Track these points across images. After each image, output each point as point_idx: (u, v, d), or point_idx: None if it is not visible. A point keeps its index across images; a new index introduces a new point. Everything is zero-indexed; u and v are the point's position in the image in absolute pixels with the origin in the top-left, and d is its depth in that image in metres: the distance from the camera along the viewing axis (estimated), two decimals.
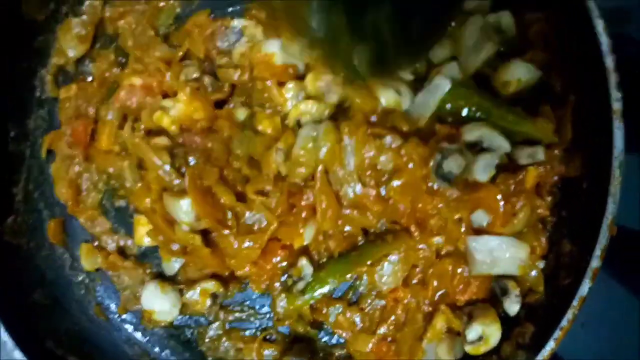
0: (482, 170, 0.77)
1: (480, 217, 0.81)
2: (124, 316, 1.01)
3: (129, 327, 1.01)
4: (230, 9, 0.97)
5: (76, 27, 0.96)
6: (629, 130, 0.71)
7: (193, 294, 0.92)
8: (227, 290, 0.94)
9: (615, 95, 0.71)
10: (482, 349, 0.80)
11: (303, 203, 0.84)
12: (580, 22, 0.72)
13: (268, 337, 0.95)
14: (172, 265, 0.94)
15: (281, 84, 0.89)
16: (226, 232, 0.85)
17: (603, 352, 0.96)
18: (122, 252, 1.00)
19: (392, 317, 0.86)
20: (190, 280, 0.93)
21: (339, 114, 0.87)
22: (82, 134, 0.95)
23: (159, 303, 0.91)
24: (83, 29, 0.96)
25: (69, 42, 0.97)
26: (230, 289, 0.94)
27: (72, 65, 0.99)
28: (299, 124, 0.88)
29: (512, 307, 0.81)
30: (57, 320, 0.97)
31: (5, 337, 0.81)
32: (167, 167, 0.87)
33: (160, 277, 0.96)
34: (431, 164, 0.77)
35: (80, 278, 1.02)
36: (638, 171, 0.92)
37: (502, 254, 0.78)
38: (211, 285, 0.91)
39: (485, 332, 0.80)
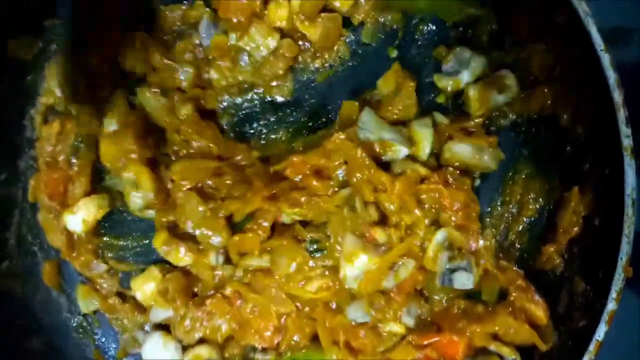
0: None
1: None
2: None
3: None
4: None
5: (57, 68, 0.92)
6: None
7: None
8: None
9: (625, 131, 0.68)
10: None
11: None
12: (585, 56, 0.70)
13: None
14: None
15: None
16: None
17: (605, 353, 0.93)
18: (121, 294, 0.97)
19: None
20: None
21: None
22: (57, 187, 0.93)
23: (161, 355, 0.88)
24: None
25: (52, 82, 0.94)
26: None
27: (62, 104, 0.95)
28: None
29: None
30: None
31: None
32: None
33: (163, 327, 0.93)
34: None
35: (77, 322, 0.99)
36: None
37: None
38: (204, 351, 0.88)
39: None
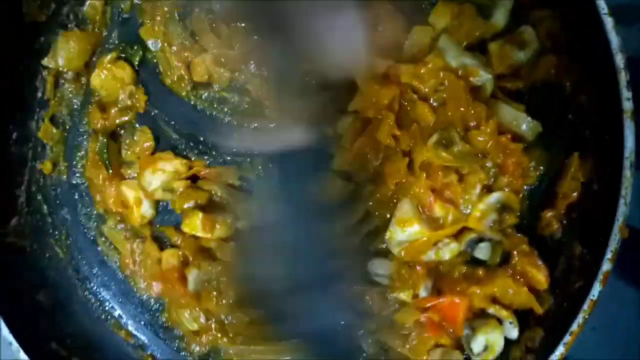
0: None
1: None
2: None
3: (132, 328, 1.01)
4: None
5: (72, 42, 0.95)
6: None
7: None
8: None
9: (626, 94, 0.69)
10: (490, 357, 0.80)
11: None
12: (589, 20, 0.71)
13: None
14: None
15: None
16: None
17: (613, 355, 0.95)
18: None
19: None
20: None
21: None
22: None
23: None
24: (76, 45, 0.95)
25: (61, 52, 0.95)
26: None
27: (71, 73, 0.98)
28: None
29: (511, 333, 0.82)
30: (61, 321, 0.97)
31: (10, 337, 0.81)
32: None
33: None
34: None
35: (81, 279, 1.02)
36: None
37: None
38: None
39: (489, 341, 0.80)
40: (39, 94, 0.98)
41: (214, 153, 0.97)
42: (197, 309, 0.94)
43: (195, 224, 0.91)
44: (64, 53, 0.96)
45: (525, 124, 0.82)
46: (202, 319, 0.94)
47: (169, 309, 0.98)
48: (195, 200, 0.93)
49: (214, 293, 0.91)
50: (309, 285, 0.83)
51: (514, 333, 0.81)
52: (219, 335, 0.93)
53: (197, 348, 0.97)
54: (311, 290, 0.83)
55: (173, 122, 0.98)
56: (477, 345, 0.81)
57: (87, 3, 0.96)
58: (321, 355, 0.84)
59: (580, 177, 0.79)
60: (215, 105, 0.97)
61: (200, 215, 0.91)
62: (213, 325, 0.93)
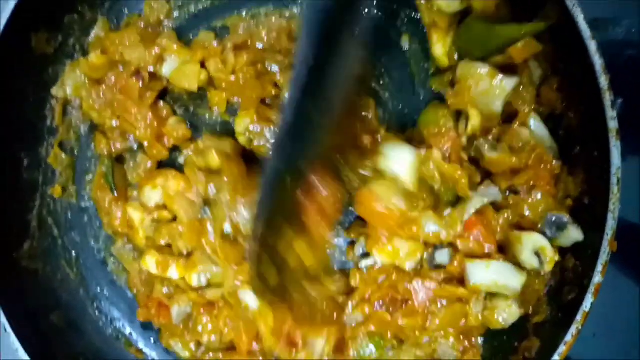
0: None
1: None
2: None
3: (142, 345, 1.04)
4: None
5: (79, 72, 0.98)
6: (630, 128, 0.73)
7: None
8: None
9: (611, 114, 0.72)
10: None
11: None
12: (573, 43, 0.74)
13: None
14: None
15: None
16: None
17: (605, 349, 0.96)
18: None
19: None
20: None
21: None
22: None
23: None
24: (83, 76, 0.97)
25: (68, 81, 0.99)
26: None
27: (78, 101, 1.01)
28: None
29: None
30: (74, 341, 1.00)
31: (26, 357, 0.84)
32: None
33: None
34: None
35: (91, 298, 1.05)
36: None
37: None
38: None
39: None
40: (48, 122, 1.02)
41: None
42: (188, 338, 0.96)
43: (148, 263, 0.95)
44: (71, 82, 0.99)
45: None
46: (193, 347, 0.96)
47: (162, 334, 1.01)
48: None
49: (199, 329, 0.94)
50: None
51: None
52: None
53: None
54: None
55: None
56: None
57: (92, 34, 1.00)
58: None
59: (572, 190, 0.82)
60: None
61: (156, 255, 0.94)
62: (207, 357, 0.95)
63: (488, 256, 0.80)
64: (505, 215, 0.82)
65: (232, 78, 0.92)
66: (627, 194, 0.73)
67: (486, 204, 0.81)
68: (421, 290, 0.83)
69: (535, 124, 0.84)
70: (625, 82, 0.81)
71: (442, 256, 0.83)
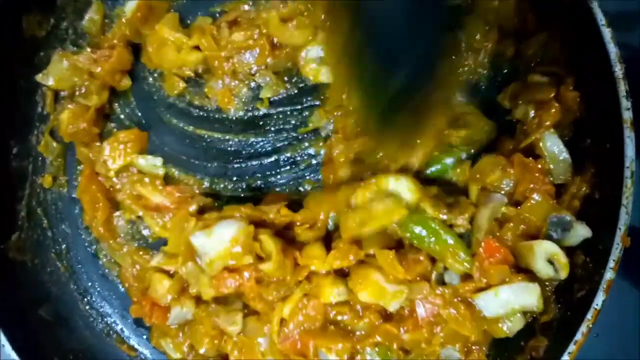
0: None
1: None
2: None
3: (134, 342, 1.01)
4: None
5: (65, 64, 0.94)
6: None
7: None
8: None
9: (625, 104, 0.70)
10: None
11: None
12: (587, 33, 0.72)
13: None
14: None
15: None
16: None
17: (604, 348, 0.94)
18: None
19: None
20: None
21: None
22: None
23: None
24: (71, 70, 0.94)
25: (53, 71, 0.95)
26: None
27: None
28: None
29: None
30: (63, 336, 0.97)
31: (13, 354, 0.81)
32: None
33: None
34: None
35: (82, 292, 1.01)
36: None
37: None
38: None
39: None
40: (39, 109, 0.99)
41: None
42: (181, 338, 0.93)
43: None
44: (55, 74, 0.95)
45: None
46: (186, 349, 0.93)
47: (152, 333, 0.97)
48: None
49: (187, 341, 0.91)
50: None
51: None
52: None
53: None
54: None
55: None
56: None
57: (86, 17, 0.97)
58: None
59: (583, 186, 0.79)
60: None
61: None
62: None
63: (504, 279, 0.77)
64: (511, 224, 0.80)
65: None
66: None
67: (497, 209, 0.80)
68: (425, 306, 0.80)
69: (551, 139, 0.82)
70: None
71: (451, 277, 0.81)
